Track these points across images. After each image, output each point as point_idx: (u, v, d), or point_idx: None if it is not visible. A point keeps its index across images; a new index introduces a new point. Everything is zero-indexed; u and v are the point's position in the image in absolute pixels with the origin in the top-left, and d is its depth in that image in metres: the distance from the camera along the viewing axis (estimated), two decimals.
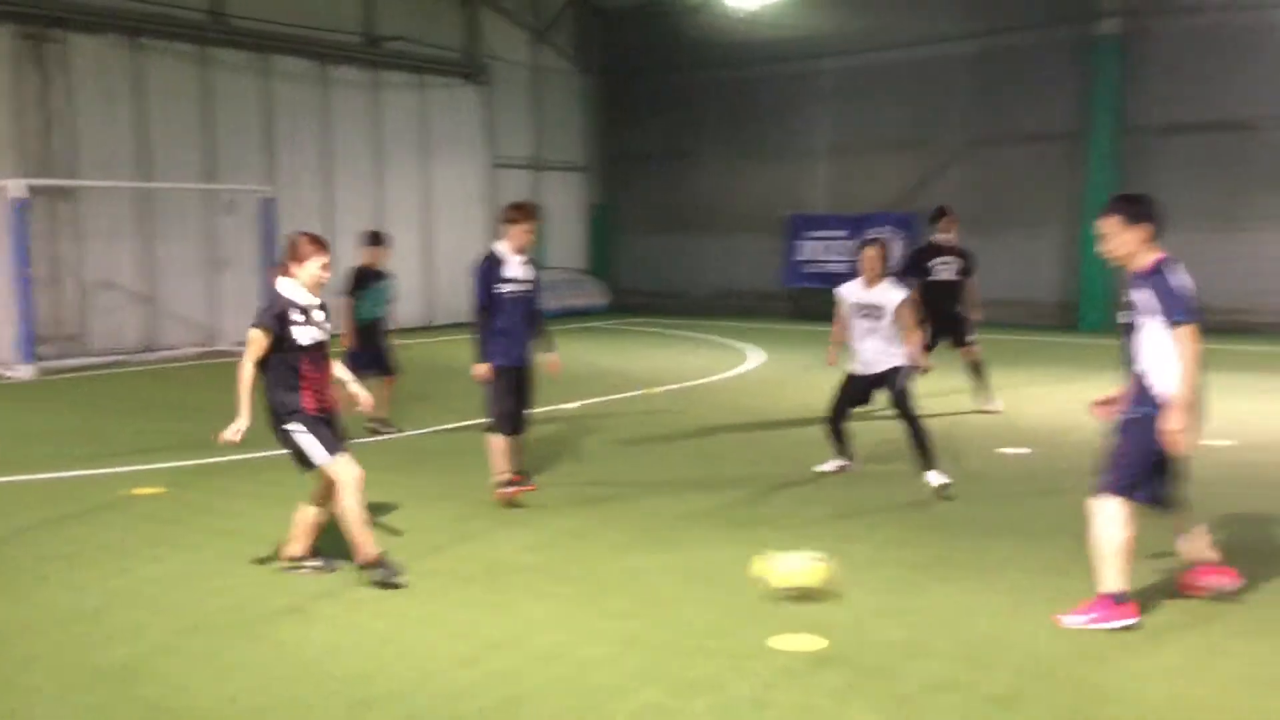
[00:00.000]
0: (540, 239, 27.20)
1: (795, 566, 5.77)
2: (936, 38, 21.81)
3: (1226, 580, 5.73)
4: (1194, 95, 19.33)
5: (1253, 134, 18.96)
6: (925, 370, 9.37)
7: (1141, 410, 5.35)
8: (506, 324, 7.85)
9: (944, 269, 11.67)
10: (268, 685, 4.76)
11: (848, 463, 8.74)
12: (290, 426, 6.08)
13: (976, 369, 11.56)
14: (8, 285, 16.11)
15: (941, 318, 11.48)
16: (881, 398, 8.37)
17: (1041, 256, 21.11)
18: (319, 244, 6.23)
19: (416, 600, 5.84)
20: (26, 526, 7.37)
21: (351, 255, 11.28)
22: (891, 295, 8.21)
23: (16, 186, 15.79)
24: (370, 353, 10.73)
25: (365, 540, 6.07)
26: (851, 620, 5.48)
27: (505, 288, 7.85)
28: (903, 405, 8.11)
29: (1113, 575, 5.34)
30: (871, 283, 8.27)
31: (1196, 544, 5.76)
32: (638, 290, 26.29)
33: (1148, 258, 5.40)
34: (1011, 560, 6.47)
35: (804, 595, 5.71)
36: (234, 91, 19.77)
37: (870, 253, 8.33)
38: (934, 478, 8.01)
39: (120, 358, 17.48)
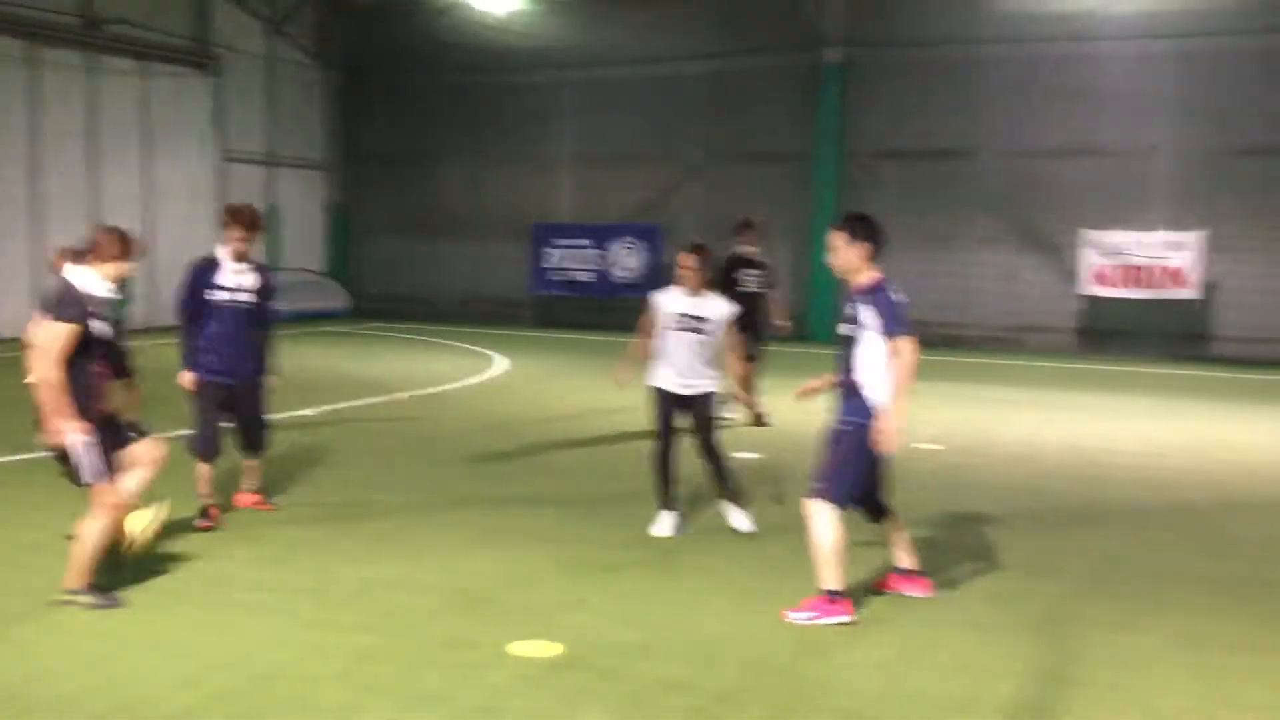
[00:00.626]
0: (275, 240, 26.20)
1: (142, 524, 6.06)
2: (675, 56, 22.50)
3: (919, 589, 6.11)
4: (912, 123, 20.81)
5: (966, 161, 20.60)
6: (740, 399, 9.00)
7: (854, 421, 5.67)
8: (218, 334, 7.29)
9: (750, 280, 11.61)
10: None
11: (678, 515, 7.48)
12: (74, 436, 5.56)
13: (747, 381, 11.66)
14: None
15: (743, 328, 11.47)
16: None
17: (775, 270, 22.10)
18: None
19: (133, 621, 5.48)
20: None
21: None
22: (721, 308, 7.39)
23: None
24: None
25: (87, 567, 5.64)
26: (590, 624, 5.55)
27: (218, 295, 7.30)
28: (708, 435, 7.39)
29: (829, 574, 5.65)
30: (696, 291, 7.35)
31: (898, 551, 6.17)
32: (380, 295, 25.70)
33: (868, 275, 5.76)
34: (737, 560, 6.73)
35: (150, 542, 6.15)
36: None
37: (691, 259, 7.31)
38: (738, 520, 7.39)
39: None
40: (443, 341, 20.09)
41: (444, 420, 11.76)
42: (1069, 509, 8.26)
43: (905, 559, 6.16)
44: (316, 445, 10.21)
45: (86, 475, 5.62)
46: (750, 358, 10.68)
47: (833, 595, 5.65)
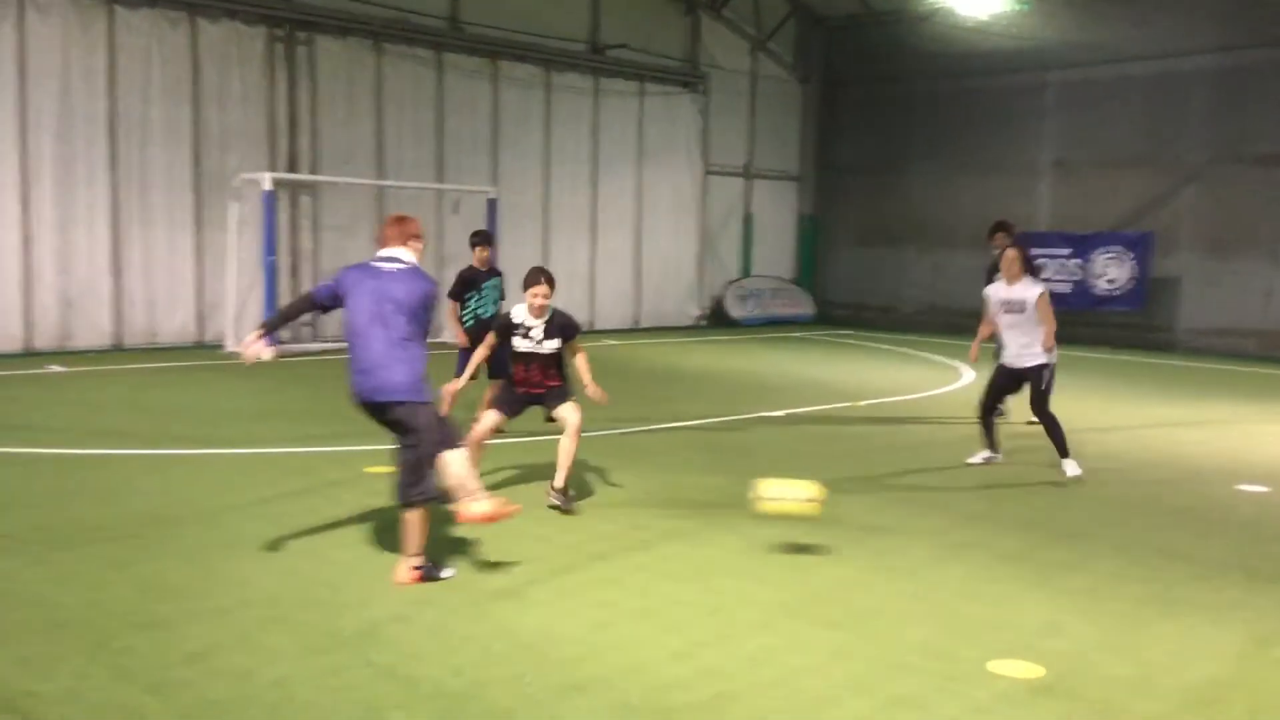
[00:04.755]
0: (748, 248, 27.45)
1: (788, 496, 6.65)
2: (1172, 51, 20.72)
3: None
4: None
5: None
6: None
7: None
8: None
9: None
10: (489, 661, 4.97)
11: (994, 455, 9.62)
12: None
13: None
14: (254, 270, 17.35)
15: None
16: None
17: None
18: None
19: (628, 593, 5.98)
20: (267, 498, 7.92)
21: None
22: (1031, 290, 9.13)
23: (265, 180, 16.99)
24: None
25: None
26: (1075, 651, 5.29)
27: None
28: (1041, 401, 9.04)
29: None
30: (1012, 281, 9.22)
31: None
32: (845, 302, 26.00)
33: None
34: (1237, 601, 6.10)
35: (786, 518, 6.79)
36: (465, 95, 20.65)
37: (1011, 254, 9.34)
38: (1069, 467, 8.97)
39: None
40: (907, 351, 19.93)
41: (906, 428, 11.67)
42: None
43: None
44: (783, 443, 10.52)
45: None
46: None
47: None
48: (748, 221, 26.05)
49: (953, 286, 24.27)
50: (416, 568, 6.03)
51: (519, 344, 7.73)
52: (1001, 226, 12.14)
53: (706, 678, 4.84)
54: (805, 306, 26.20)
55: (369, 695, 4.58)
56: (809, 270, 27.00)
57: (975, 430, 9.93)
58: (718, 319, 24.69)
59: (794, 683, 4.83)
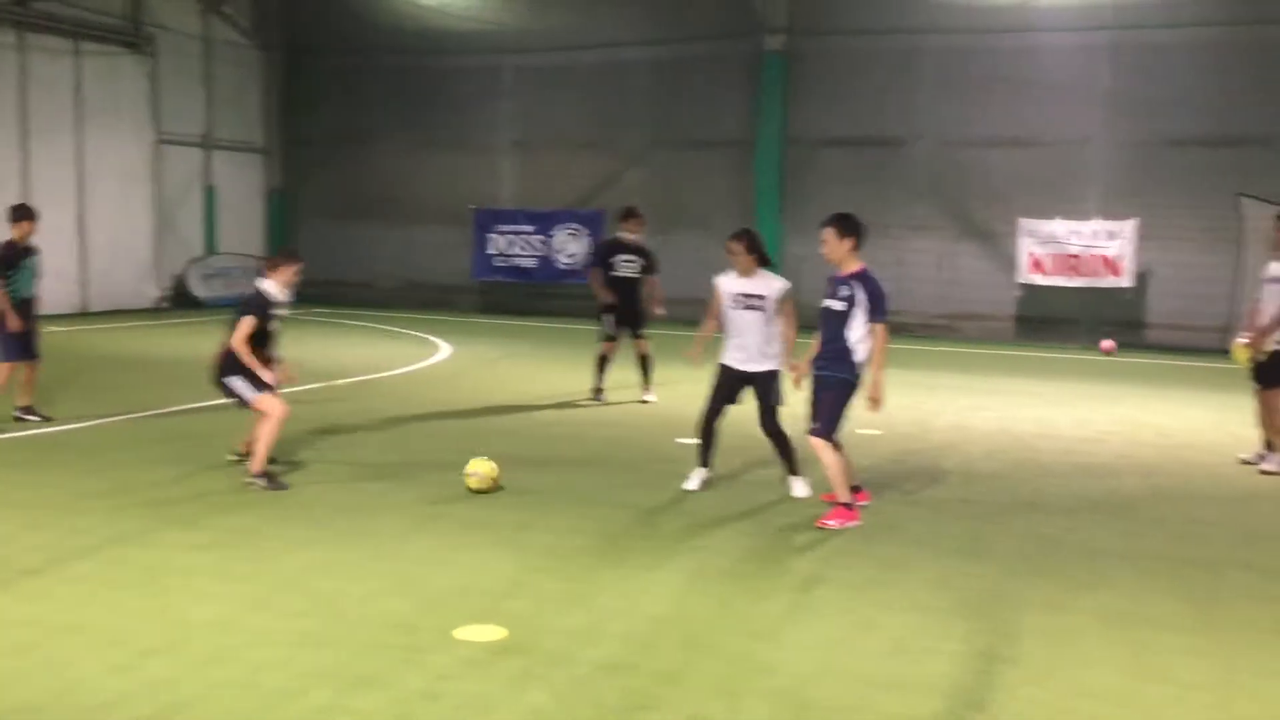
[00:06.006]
0: (211, 224, 25.86)
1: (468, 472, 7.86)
2: (617, 41, 22.48)
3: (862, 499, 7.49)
4: (852, 111, 20.99)
5: (904, 149, 20.82)
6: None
7: (843, 377, 7.24)
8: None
9: (626, 266, 12.12)
10: None
11: (709, 473, 8.25)
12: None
13: (644, 362, 12.13)
14: None
15: (622, 311, 11.98)
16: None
17: (715, 257, 22.14)
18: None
19: (60, 607, 5.39)
20: None
21: None
22: (773, 285, 7.94)
23: None
24: (25, 335, 9.97)
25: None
26: (534, 609, 5.56)
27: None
28: (771, 415, 7.97)
29: (842, 490, 7.28)
30: (747, 273, 7.95)
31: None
32: (321, 280, 25.35)
33: (855, 264, 7.27)
34: (682, 544, 6.78)
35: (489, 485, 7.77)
36: None
37: (738, 245, 7.98)
38: (799, 486, 8.04)
39: None
40: (384, 327, 19.92)
41: (389, 405, 11.66)
42: (1004, 492, 8.42)
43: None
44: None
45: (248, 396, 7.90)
46: (611, 339, 12.06)
47: (848, 506, 7.26)
48: (210, 195, 24.54)
49: (425, 262, 24.61)
50: None
51: None
52: (632, 211, 12.38)
53: (152, 689, 4.49)
54: None
55: None
56: (279, 247, 25.99)
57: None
58: (181, 300, 23.04)
59: (254, 680, 4.61)
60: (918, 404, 12.48)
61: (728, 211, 21.45)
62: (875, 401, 7.23)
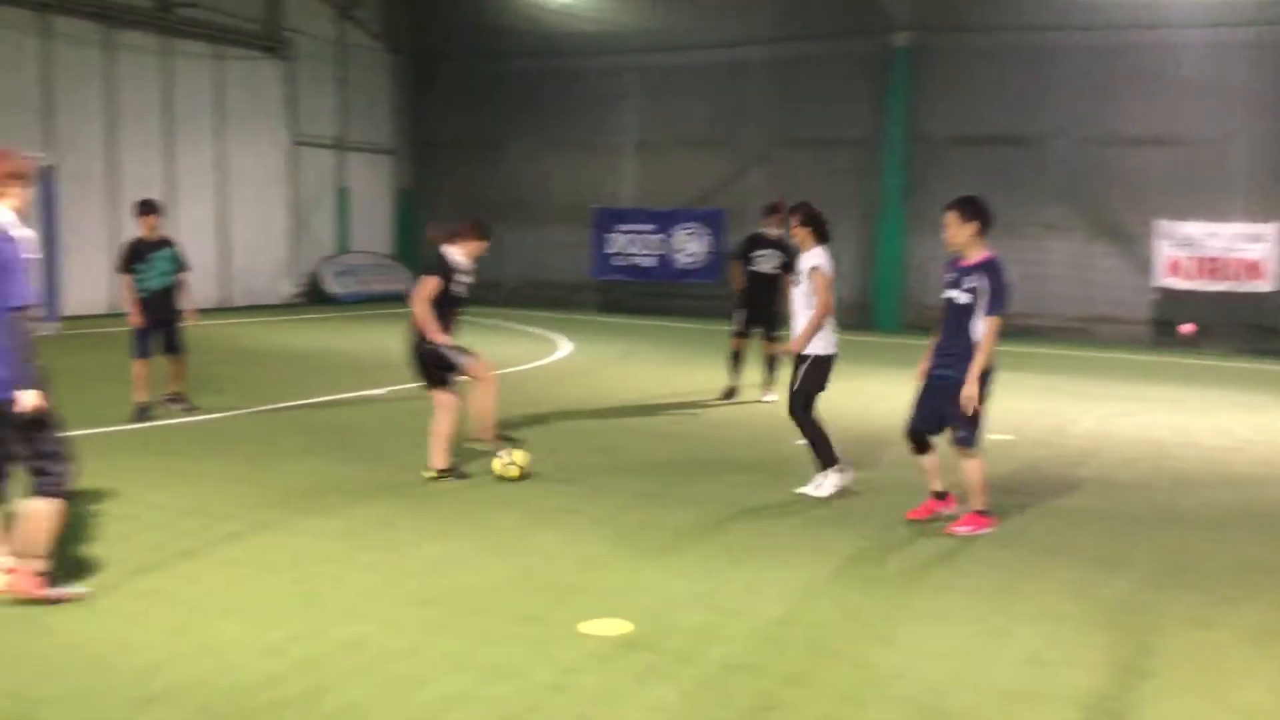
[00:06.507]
0: (344, 223, 26.63)
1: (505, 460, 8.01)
2: (740, 41, 22.41)
3: (952, 507, 7.16)
4: (981, 109, 20.53)
5: (1036, 148, 20.28)
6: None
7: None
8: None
9: (764, 260, 11.90)
10: (52, 677, 4.50)
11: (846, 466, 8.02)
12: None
13: (770, 361, 11.95)
14: None
15: (756, 308, 11.84)
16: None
17: (838, 258, 21.93)
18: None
19: (215, 591, 5.63)
20: None
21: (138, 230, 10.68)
22: (808, 259, 7.91)
23: None
24: (159, 328, 10.28)
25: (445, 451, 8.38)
26: (657, 606, 5.60)
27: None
28: (795, 400, 7.88)
29: (978, 498, 7.00)
30: (804, 248, 8.02)
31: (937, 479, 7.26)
32: None
33: (980, 251, 6.82)
34: (796, 545, 6.74)
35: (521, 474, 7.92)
36: (8, 53, 18.45)
37: (793, 217, 8.12)
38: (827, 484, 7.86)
39: None
40: (509, 325, 20.24)
41: (514, 401, 11.84)
42: (1142, 502, 8.14)
43: (941, 483, 7.21)
44: (382, 424, 10.36)
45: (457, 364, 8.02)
46: (740, 335, 12.03)
47: (983, 513, 6.99)
48: (342, 195, 25.30)
49: (549, 261, 24.93)
50: (37, 571, 5.28)
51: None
52: (773, 208, 12.04)
53: (298, 671, 4.66)
54: (405, 283, 25.83)
55: None
56: (408, 246, 26.66)
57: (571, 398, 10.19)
58: (315, 296, 23.80)
59: (389, 666, 4.76)
60: (1052, 409, 12.15)
61: (850, 211, 21.23)
62: (969, 398, 6.71)
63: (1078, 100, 19.88)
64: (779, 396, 11.98)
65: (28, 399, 5.12)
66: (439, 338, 7.90)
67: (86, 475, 7.83)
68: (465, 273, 8.22)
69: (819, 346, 7.77)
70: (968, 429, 6.87)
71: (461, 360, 8.04)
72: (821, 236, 7.98)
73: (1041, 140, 20.26)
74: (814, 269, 7.79)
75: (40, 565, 5.29)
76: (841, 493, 7.84)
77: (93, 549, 6.19)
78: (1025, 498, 8.09)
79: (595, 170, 24.48)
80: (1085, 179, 19.96)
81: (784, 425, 10.68)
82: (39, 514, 5.23)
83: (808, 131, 22.11)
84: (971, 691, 4.68)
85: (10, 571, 5.30)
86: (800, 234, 7.99)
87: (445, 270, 8.07)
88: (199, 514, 7.02)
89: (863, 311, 21.38)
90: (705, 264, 22.66)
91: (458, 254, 8.18)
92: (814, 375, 7.80)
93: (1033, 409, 12.03)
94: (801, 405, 7.81)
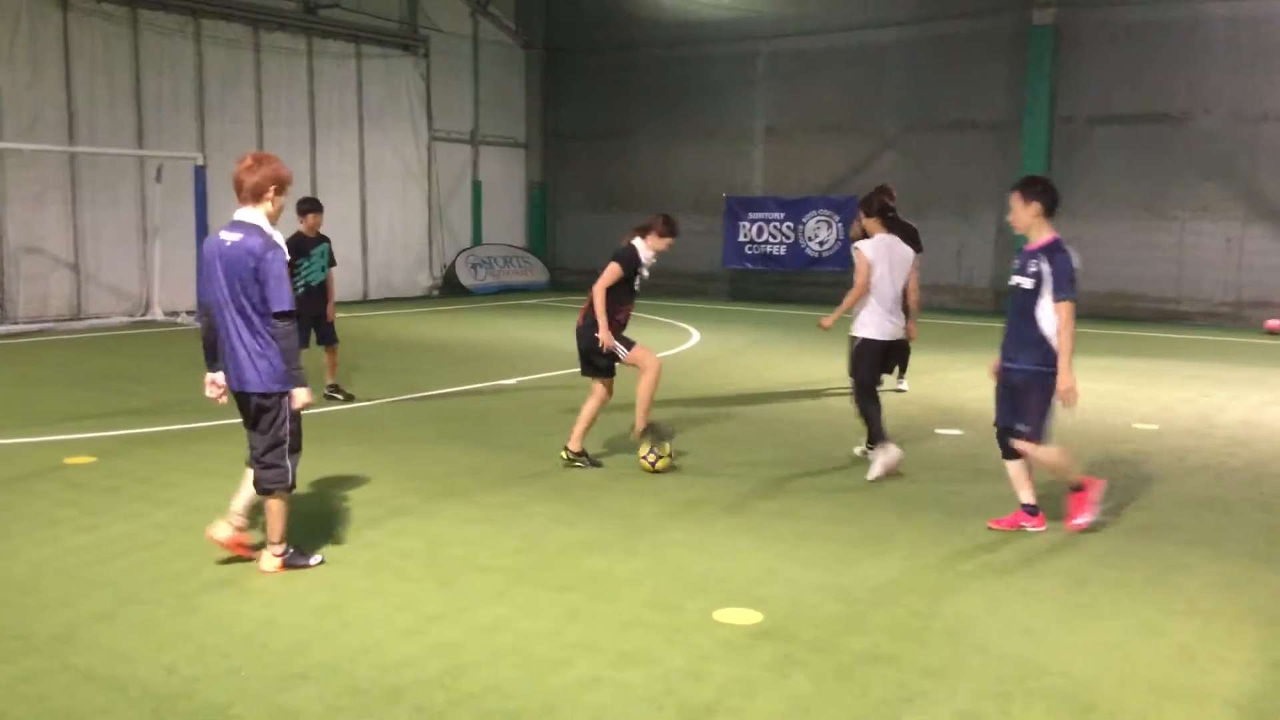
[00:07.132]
0: (478, 217, 27.15)
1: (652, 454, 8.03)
2: (874, 23, 22.02)
3: (1039, 524, 6.70)
4: (1126, 87, 19.74)
5: (1181, 125, 19.42)
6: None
7: (1045, 369, 6.38)
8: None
9: None
10: (203, 656, 4.72)
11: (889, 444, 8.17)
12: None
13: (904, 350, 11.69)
14: None
15: None
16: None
17: (975, 242, 21.45)
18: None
19: (356, 573, 5.82)
20: None
21: (284, 227, 11.07)
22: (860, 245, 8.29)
23: None
24: (313, 321, 10.73)
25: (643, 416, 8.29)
26: (791, 595, 5.57)
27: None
28: (852, 376, 8.39)
29: (1070, 472, 6.66)
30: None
31: (1028, 488, 6.80)
32: (576, 269, 26.23)
33: (1044, 233, 6.46)
34: (931, 534, 6.61)
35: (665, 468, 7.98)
36: (165, 55, 19.34)
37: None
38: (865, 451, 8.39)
39: (46, 325, 17.08)
40: (642, 315, 20.28)
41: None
42: None
43: (1032, 495, 6.75)
44: (515, 413, 10.54)
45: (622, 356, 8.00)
46: None
47: (1078, 488, 6.63)
48: (477, 189, 25.80)
49: (679, 249, 24.87)
50: (279, 554, 5.82)
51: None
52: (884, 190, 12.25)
53: (438, 652, 4.78)
54: (538, 274, 26.26)
55: (68, 703, 4.25)
56: (540, 237, 27.06)
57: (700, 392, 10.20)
58: (450, 289, 24.36)
59: (526, 648, 4.84)
60: (1201, 397, 11.65)
61: (988, 195, 20.70)
62: (1067, 396, 6.32)
63: (1228, 75, 18.95)
64: (909, 385, 11.80)
65: (301, 396, 5.67)
66: (604, 335, 7.86)
67: (208, 460, 8.21)
68: (646, 267, 8.15)
69: (868, 330, 8.11)
70: (1033, 423, 6.50)
71: (625, 350, 7.98)
72: (889, 225, 8.35)
73: (1192, 117, 19.38)
74: (856, 248, 8.23)
75: (280, 549, 5.83)
76: (888, 474, 7.97)
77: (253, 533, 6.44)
78: (1172, 487, 7.77)
79: (725, 158, 24.39)
80: (1240, 157, 19.02)
81: (917, 415, 10.53)
82: (273, 508, 5.78)
83: (943, 115, 21.62)
84: (1120, 687, 4.52)
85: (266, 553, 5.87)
86: (868, 224, 8.36)
87: (632, 261, 7.99)
88: (342, 499, 7.26)
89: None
90: (836, 251, 22.37)
91: (645, 248, 8.08)
92: (860, 359, 8.17)
93: (1179, 397, 11.55)
94: (859, 393, 8.21)
